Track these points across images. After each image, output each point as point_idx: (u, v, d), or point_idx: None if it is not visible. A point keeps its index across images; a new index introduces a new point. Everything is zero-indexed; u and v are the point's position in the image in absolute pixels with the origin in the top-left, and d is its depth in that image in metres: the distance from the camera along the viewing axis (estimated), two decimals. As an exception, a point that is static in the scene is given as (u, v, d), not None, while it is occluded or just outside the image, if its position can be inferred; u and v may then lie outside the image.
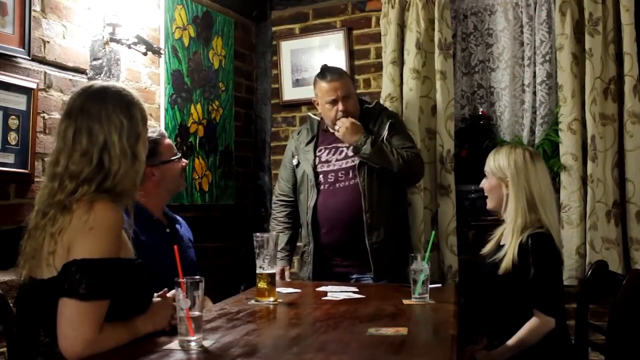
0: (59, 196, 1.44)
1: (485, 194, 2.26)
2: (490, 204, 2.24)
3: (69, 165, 1.46)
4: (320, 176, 2.72)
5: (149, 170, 1.97)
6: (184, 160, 2.37)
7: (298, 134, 2.90)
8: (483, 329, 2.27)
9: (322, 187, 2.71)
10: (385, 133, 2.68)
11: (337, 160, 2.72)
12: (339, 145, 2.73)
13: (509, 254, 2.04)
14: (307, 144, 2.80)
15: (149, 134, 2.23)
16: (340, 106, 2.66)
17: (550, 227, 2.07)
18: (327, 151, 2.76)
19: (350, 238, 2.64)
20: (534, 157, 2.15)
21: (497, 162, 2.19)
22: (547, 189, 2.14)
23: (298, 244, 2.94)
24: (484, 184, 2.26)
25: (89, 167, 1.46)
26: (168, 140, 2.32)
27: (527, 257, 2.01)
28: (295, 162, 2.82)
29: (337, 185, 2.69)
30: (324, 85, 2.70)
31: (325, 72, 2.74)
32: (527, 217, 2.07)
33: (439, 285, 2.33)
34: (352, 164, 2.67)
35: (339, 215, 2.65)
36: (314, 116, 2.92)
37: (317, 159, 2.76)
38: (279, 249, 2.78)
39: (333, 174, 2.71)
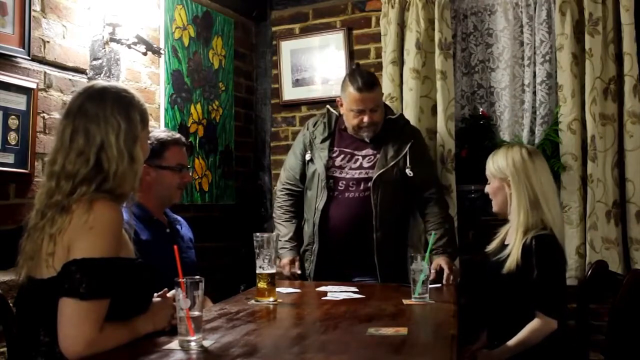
0: (57, 197, 1.44)
1: (490, 198, 2.25)
2: (495, 207, 2.24)
3: (65, 164, 1.47)
4: (331, 181, 2.64)
5: (145, 169, 1.95)
6: (187, 175, 2.29)
7: (314, 125, 2.77)
8: (483, 327, 2.27)
9: (332, 192, 2.64)
10: (406, 154, 2.60)
11: (350, 168, 2.64)
12: (356, 152, 2.66)
13: (512, 253, 2.04)
14: (323, 141, 2.70)
15: (163, 135, 2.24)
16: (366, 118, 2.57)
17: (553, 226, 2.07)
18: (342, 155, 2.67)
19: (357, 251, 2.60)
20: (532, 155, 2.15)
21: (495, 163, 2.19)
22: (548, 185, 2.13)
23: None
24: (487, 188, 2.25)
25: (85, 168, 1.46)
26: (179, 149, 2.25)
27: (530, 258, 2.01)
28: (308, 157, 2.71)
29: (347, 194, 2.62)
30: (354, 93, 2.55)
31: (358, 78, 2.57)
32: (529, 215, 2.07)
33: (439, 285, 2.33)
34: (366, 176, 2.60)
35: (347, 227, 2.60)
36: (333, 110, 2.78)
37: (331, 160, 2.66)
38: (286, 238, 2.73)
39: (344, 182, 2.63)
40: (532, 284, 1.99)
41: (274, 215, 2.90)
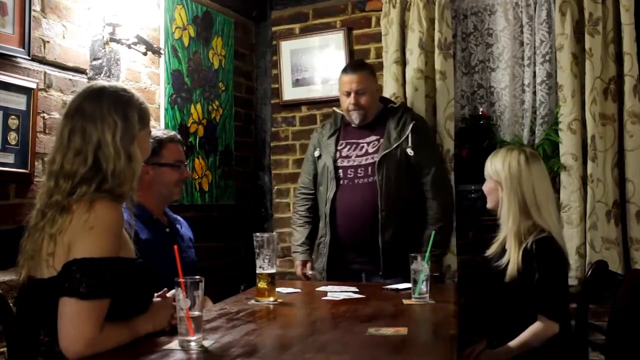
0: (56, 196, 1.44)
1: (486, 195, 2.27)
2: (489, 204, 2.27)
3: (63, 164, 1.47)
4: (340, 170, 2.77)
5: (144, 168, 1.95)
6: (186, 171, 2.30)
7: (322, 127, 2.97)
8: (484, 331, 2.26)
9: (341, 181, 2.76)
10: (408, 135, 2.70)
11: (357, 156, 2.77)
12: (360, 141, 2.79)
13: (512, 260, 2.04)
14: (330, 137, 2.86)
15: (159, 133, 2.24)
16: (351, 99, 2.72)
17: (550, 230, 2.06)
18: (348, 146, 2.81)
19: (365, 234, 2.68)
20: (529, 160, 2.13)
21: (493, 165, 2.20)
22: (541, 192, 2.10)
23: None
24: (484, 186, 2.28)
25: (84, 167, 1.46)
26: (176, 146, 2.26)
27: (532, 262, 2.00)
28: (317, 154, 2.88)
29: (356, 181, 2.74)
30: (342, 77, 2.79)
31: (348, 65, 2.85)
32: (520, 222, 2.07)
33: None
34: (372, 161, 2.72)
35: (355, 211, 2.70)
36: (338, 111, 2.94)
37: (337, 152, 2.81)
38: (298, 242, 2.90)
39: (352, 170, 2.76)
40: (534, 288, 1.98)
41: (292, 221, 3.07)
